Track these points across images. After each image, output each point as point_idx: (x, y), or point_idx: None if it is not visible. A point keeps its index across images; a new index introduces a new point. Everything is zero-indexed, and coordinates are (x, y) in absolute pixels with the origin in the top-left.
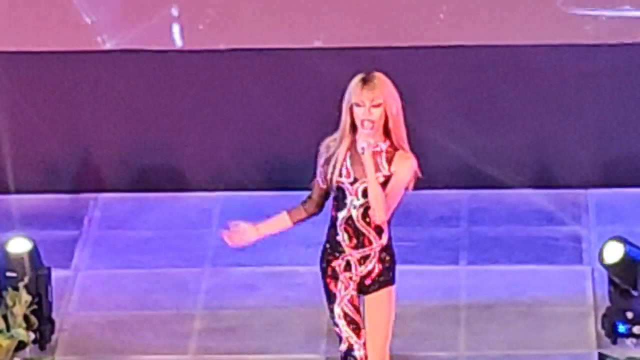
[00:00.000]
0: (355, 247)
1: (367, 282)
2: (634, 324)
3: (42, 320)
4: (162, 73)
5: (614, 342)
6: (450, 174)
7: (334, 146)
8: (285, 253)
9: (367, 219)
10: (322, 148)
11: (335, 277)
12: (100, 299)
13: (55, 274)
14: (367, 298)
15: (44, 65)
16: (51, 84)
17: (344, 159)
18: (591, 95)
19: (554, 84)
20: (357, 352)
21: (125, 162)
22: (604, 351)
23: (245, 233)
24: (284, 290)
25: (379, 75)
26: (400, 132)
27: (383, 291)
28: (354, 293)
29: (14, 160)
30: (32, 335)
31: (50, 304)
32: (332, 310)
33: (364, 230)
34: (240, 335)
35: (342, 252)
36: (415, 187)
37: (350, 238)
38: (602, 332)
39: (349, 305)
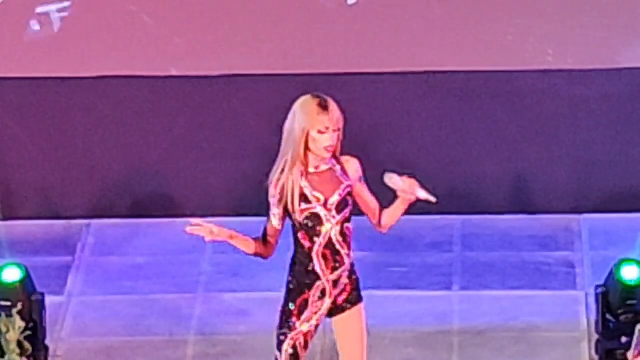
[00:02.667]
0: (333, 270)
1: (339, 301)
2: (628, 350)
3: (36, 347)
4: (155, 99)
5: None
6: (444, 200)
7: (284, 181)
8: (277, 279)
9: (343, 235)
10: (272, 190)
11: (303, 309)
12: (94, 325)
13: (49, 300)
14: (339, 319)
15: (37, 91)
16: (44, 110)
17: (303, 187)
18: (584, 121)
19: (545, 110)
20: None
21: (118, 188)
22: None
23: (216, 229)
24: (277, 317)
25: (329, 98)
26: (340, 145)
27: (355, 309)
28: (312, 328)
29: (5, 187)
30: None
31: (44, 329)
32: (281, 338)
33: (340, 249)
34: None
35: (316, 280)
36: (408, 213)
37: (327, 262)
38: (596, 357)
39: (302, 340)
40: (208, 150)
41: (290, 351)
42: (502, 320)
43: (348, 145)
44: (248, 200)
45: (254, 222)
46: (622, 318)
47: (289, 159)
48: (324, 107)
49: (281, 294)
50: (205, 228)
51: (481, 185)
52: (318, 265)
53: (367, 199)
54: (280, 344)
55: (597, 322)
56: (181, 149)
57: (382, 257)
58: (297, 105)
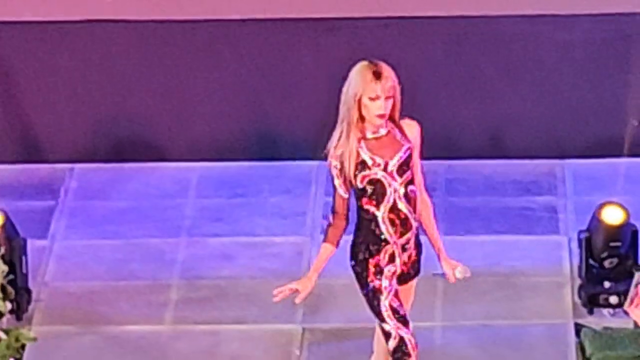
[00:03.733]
0: (401, 235)
1: (405, 269)
2: (611, 294)
3: (19, 291)
4: (140, 44)
5: (591, 312)
6: (427, 145)
7: (342, 148)
8: (261, 223)
9: (408, 198)
10: (333, 160)
11: (379, 273)
12: (76, 270)
13: (32, 244)
14: (402, 288)
15: (21, 35)
16: (27, 54)
17: (361, 153)
18: (568, 66)
19: (530, 55)
20: (409, 344)
21: (102, 132)
22: (581, 321)
23: (302, 288)
24: (260, 261)
25: (384, 65)
26: (398, 110)
27: (411, 283)
28: (397, 287)
29: None
30: (9, 306)
31: (25, 274)
32: (377, 307)
33: (407, 212)
34: (216, 305)
35: (385, 244)
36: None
37: (395, 227)
38: (579, 302)
39: (395, 300)
40: (192, 94)
41: (392, 311)
42: (486, 265)
43: (333, 89)
44: (232, 144)
45: (238, 166)
46: (606, 263)
47: (345, 126)
48: (377, 74)
49: (264, 239)
50: (285, 291)
51: (465, 131)
52: (385, 230)
53: (415, 171)
54: (378, 312)
55: (580, 267)
56: (166, 93)
57: None
58: (352, 72)
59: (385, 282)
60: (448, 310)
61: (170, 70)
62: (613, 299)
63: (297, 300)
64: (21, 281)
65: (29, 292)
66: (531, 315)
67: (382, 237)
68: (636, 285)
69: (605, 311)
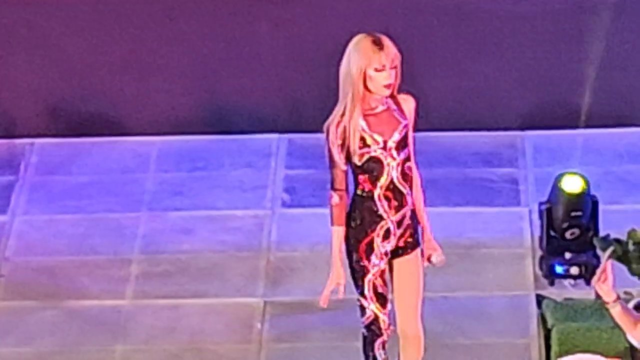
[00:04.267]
0: (396, 210)
1: (401, 244)
2: (572, 265)
3: None
4: (97, 16)
5: (552, 284)
6: None
7: (345, 124)
8: (221, 197)
9: (404, 175)
10: (334, 133)
11: (370, 251)
12: (37, 245)
13: None
14: (399, 261)
15: None
16: None
17: (363, 129)
18: (527, 38)
19: (489, 26)
20: (382, 325)
21: (62, 107)
22: (542, 292)
23: (341, 280)
24: (221, 234)
25: (383, 36)
26: (399, 82)
27: (414, 253)
28: (385, 267)
29: None
30: None
31: None
32: (361, 283)
33: (402, 189)
34: (177, 279)
35: (381, 221)
36: None
37: (389, 203)
38: (540, 273)
39: (379, 279)
40: (151, 69)
41: (373, 289)
42: (447, 236)
43: (291, 61)
44: (192, 118)
45: (197, 140)
46: (567, 234)
47: (349, 101)
48: (378, 44)
49: (225, 212)
50: (328, 294)
51: (425, 102)
52: (381, 206)
53: (410, 148)
54: (361, 286)
55: (541, 239)
56: (125, 68)
57: (328, 175)
58: (351, 46)
59: (374, 261)
60: None
61: (128, 46)
62: (574, 270)
63: (340, 296)
64: None
65: None
66: (492, 287)
67: (378, 213)
68: (605, 261)
69: (566, 282)
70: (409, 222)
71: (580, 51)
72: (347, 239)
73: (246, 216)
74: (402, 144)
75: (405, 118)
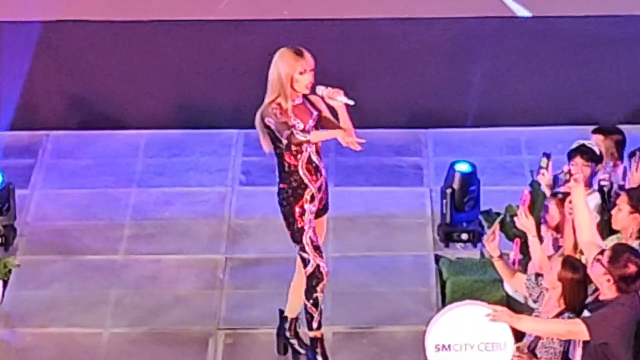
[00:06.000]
0: (317, 179)
1: (321, 206)
2: (463, 232)
3: (6, 228)
4: (102, 43)
5: (447, 246)
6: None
7: (280, 109)
8: (193, 177)
9: (318, 152)
10: (275, 112)
11: (303, 214)
12: (51, 212)
13: (17, 192)
14: (317, 221)
15: (24, 31)
16: (20, 50)
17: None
18: (429, 57)
19: (402, 49)
20: (323, 271)
21: (71, 107)
22: (439, 253)
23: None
24: (193, 205)
25: (300, 47)
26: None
27: (324, 217)
28: (314, 225)
29: None
30: None
31: (13, 214)
32: (300, 241)
33: (317, 163)
34: (159, 240)
35: (307, 188)
36: None
37: (311, 174)
38: (438, 238)
39: (313, 235)
40: (141, 80)
41: (311, 244)
42: (367, 209)
43: (247, 76)
44: (172, 117)
45: (175, 133)
46: (467, 207)
47: (282, 98)
48: (299, 53)
49: (196, 189)
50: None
51: (353, 108)
52: (305, 177)
53: (332, 125)
54: (302, 245)
55: (444, 214)
56: (121, 78)
57: (271, 161)
58: (277, 57)
59: (307, 221)
60: (338, 245)
61: (124, 61)
62: (464, 236)
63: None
64: (9, 220)
65: (14, 229)
66: (402, 249)
67: (304, 182)
68: (495, 225)
69: (458, 245)
70: (324, 191)
71: (467, 68)
72: (282, 207)
73: (212, 192)
74: (315, 128)
75: (316, 110)
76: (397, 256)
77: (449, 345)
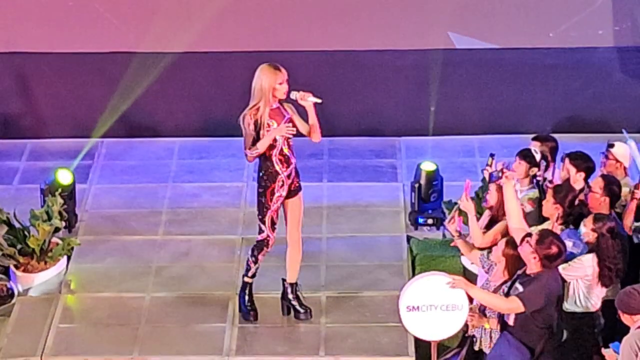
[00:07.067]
0: (287, 168)
1: (292, 188)
2: (428, 218)
3: (70, 214)
4: (143, 72)
5: (416, 229)
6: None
7: (258, 116)
8: (217, 175)
9: (289, 145)
10: (249, 120)
11: (272, 196)
12: (104, 202)
13: (78, 187)
14: (290, 200)
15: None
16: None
17: (265, 118)
18: (401, 81)
19: (381, 75)
20: (270, 242)
21: (120, 120)
22: (410, 234)
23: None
24: (217, 197)
25: (276, 63)
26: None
27: (300, 194)
28: (280, 206)
29: (36, 115)
30: (64, 224)
31: (74, 203)
32: (264, 215)
33: (288, 154)
34: (189, 224)
35: (277, 176)
36: (299, 135)
37: (282, 164)
38: (409, 222)
39: (275, 213)
40: (174, 100)
41: (270, 220)
42: (352, 200)
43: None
44: (199, 127)
45: (203, 140)
46: (431, 197)
47: (262, 104)
48: (277, 68)
49: (219, 184)
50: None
51: (338, 119)
52: (278, 166)
53: (300, 125)
54: (263, 218)
55: (413, 203)
56: (158, 96)
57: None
58: (259, 71)
59: (274, 203)
60: (330, 228)
61: (162, 84)
62: (430, 221)
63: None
64: (72, 208)
65: (76, 215)
66: (380, 230)
67: (275, 169)
68: (454, 212)
69: (425, 228)
70: (294, 174)
71: (434, 90)
72: (259, 188)
73: (231, 186)
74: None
75: (287, 113)
76: (377, 237)
77: (418, 307)
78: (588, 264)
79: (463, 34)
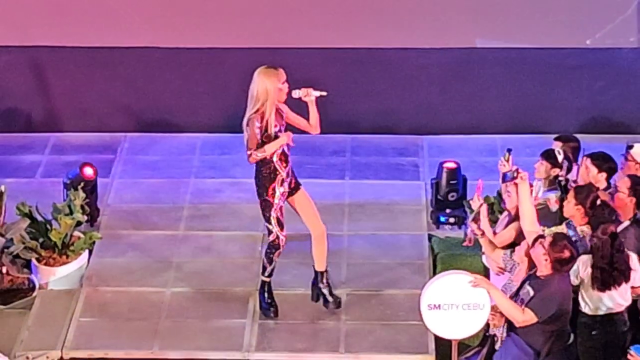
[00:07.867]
0: (286, 167)
1: (292, 185)
2: (450, 217)
3: (92, 208)
4: (165, 67)
5: (438, 227)
6: (335, 124)
7: (266, 117)
8: (238, 171)
9: (288, 145)
10: (257, 123)
11: (273, 194)
12: (126, 196)
13: (100, 181)
14: (295, 196)
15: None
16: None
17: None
18: (425, 79)
19: (406, 71)
20: (281, 242)
21: (143, 115)
22: (432, 232)
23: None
24: (238, 193)
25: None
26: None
27: (301, 189)
28: (283, 204)
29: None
30: (86, 217)
31: (96, 197)
32: (269, 215)
33: (287, 153)
34: (211, 219)
35: (277, 174)
36: (322, 132)
37: (281, 163)
38: (430, 221)
39: (279, 212)
40: (198, 96)
41: (277, 219)
42: (375, 197)
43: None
44: (221, 123)
45: (225, 136)
46: (449, 196)
47: (268, 106)
48: (276, 69)
49: (241, 180)
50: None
51: (361, 117)
52: (278, 165)
53: (298, 120)
54: (269, 217)
55: (431, 200)
56: (180, 94)
57: (301, 159)
58: (259, 74)
59: (276, 201)
60: (352, 225)
61: (185, 81)
62: (451, 220)
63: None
64: (94, 202)
65: (98, 209)
66: (402, 229)
67: (276, 169)
68: (478, 209)
69: (446, 227)
70: (292, 175)
71: (458, 89)
72: (258, 187)
73: (251, 183)
74: (285, 130)
75: (284, 113)
76: (398, 235)
77: (439, 305)
78: (581, 264)
79: (487, 32)
